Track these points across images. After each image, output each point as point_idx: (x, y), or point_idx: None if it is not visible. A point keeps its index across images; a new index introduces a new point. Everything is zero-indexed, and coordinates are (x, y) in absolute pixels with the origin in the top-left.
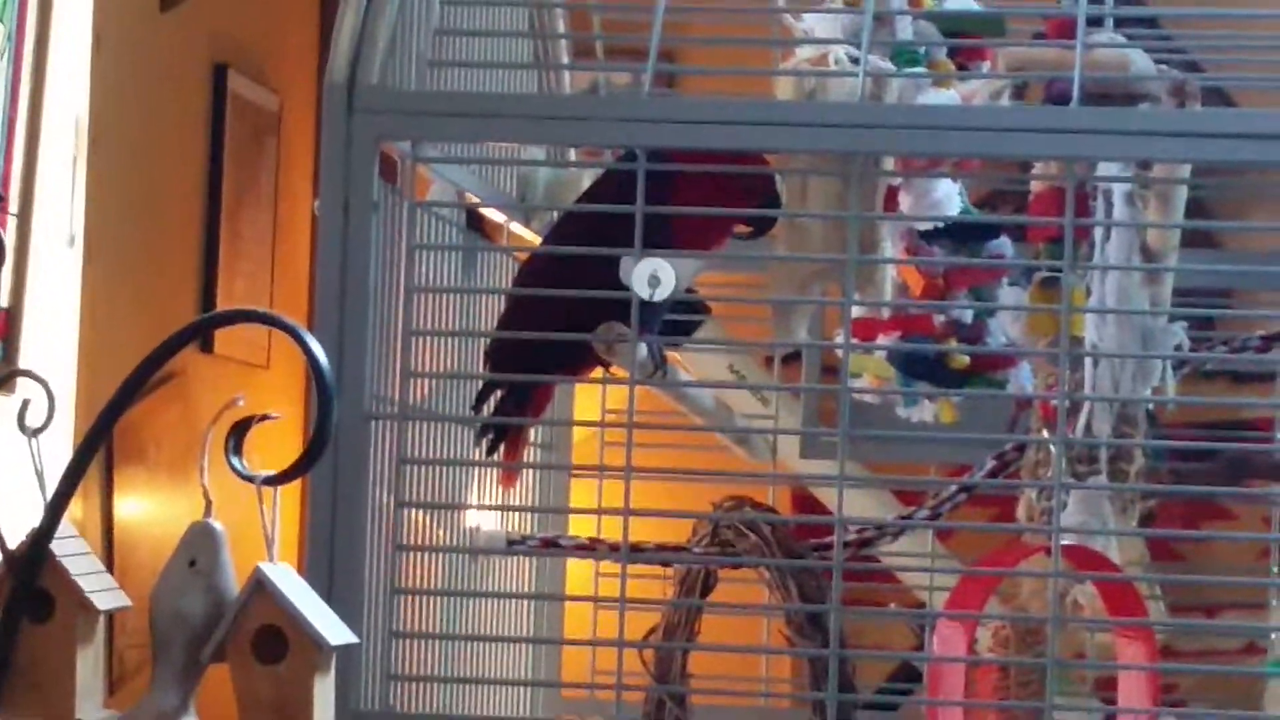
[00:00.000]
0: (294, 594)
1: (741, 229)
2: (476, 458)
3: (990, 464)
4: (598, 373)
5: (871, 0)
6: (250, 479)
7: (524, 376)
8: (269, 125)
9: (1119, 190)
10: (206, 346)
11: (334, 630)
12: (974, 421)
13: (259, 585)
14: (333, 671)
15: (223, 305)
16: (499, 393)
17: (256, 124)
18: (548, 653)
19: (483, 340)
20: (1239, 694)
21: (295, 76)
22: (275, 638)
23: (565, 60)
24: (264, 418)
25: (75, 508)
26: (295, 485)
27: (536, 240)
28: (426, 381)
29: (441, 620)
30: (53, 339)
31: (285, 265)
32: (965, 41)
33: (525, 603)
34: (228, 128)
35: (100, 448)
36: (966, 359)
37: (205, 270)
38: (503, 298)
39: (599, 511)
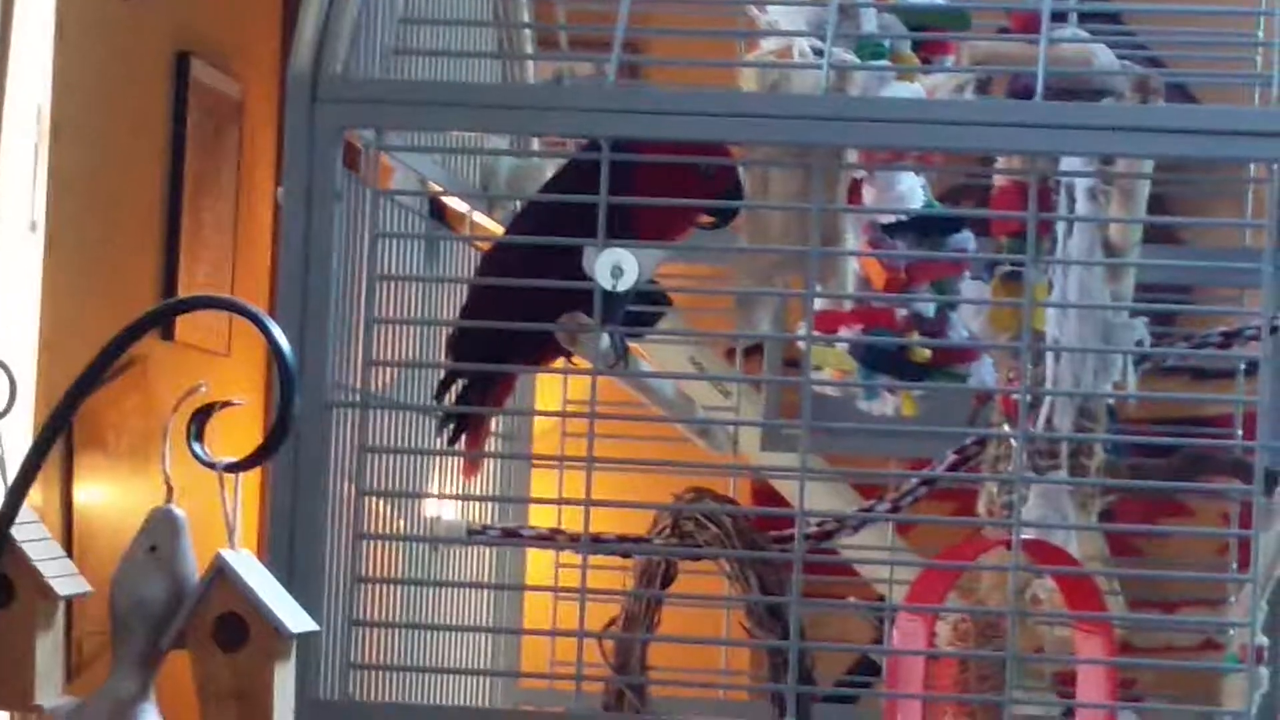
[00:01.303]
0: (255, 581)
1: (703, 219)
2: (438, 447)
3: (951, 458)
4: (559, 363)
5: None
6: (212, 465)
7: (486, 366)
8: (231, 113)
9: (1081, 185)
10: (167, 334)
11: (294, 618)
12: (935, 415)
13: (220, 572)
14: (293, 659)
15: (184, 292)
16: (461, 382)
17: (219, 112)
18: (507, 642)
19: (445, 329)
20: (1197, 689)
21: (258, 65)
22: (236, 625)
23: (529, 50)
24: (226, 404)
25: (35, 494)
26: (255, 472)
27: (499, 230)
28: (388, 370)
29: (402, 609)
30: (13, 325)
31: (247, 253)
32: (929, 35)
33: (485, 593)
34: (190, 116)
35: (61, 434)
36: (928, 352)
37: (166, 257)
38: (465, 287)
39: (560, 502)
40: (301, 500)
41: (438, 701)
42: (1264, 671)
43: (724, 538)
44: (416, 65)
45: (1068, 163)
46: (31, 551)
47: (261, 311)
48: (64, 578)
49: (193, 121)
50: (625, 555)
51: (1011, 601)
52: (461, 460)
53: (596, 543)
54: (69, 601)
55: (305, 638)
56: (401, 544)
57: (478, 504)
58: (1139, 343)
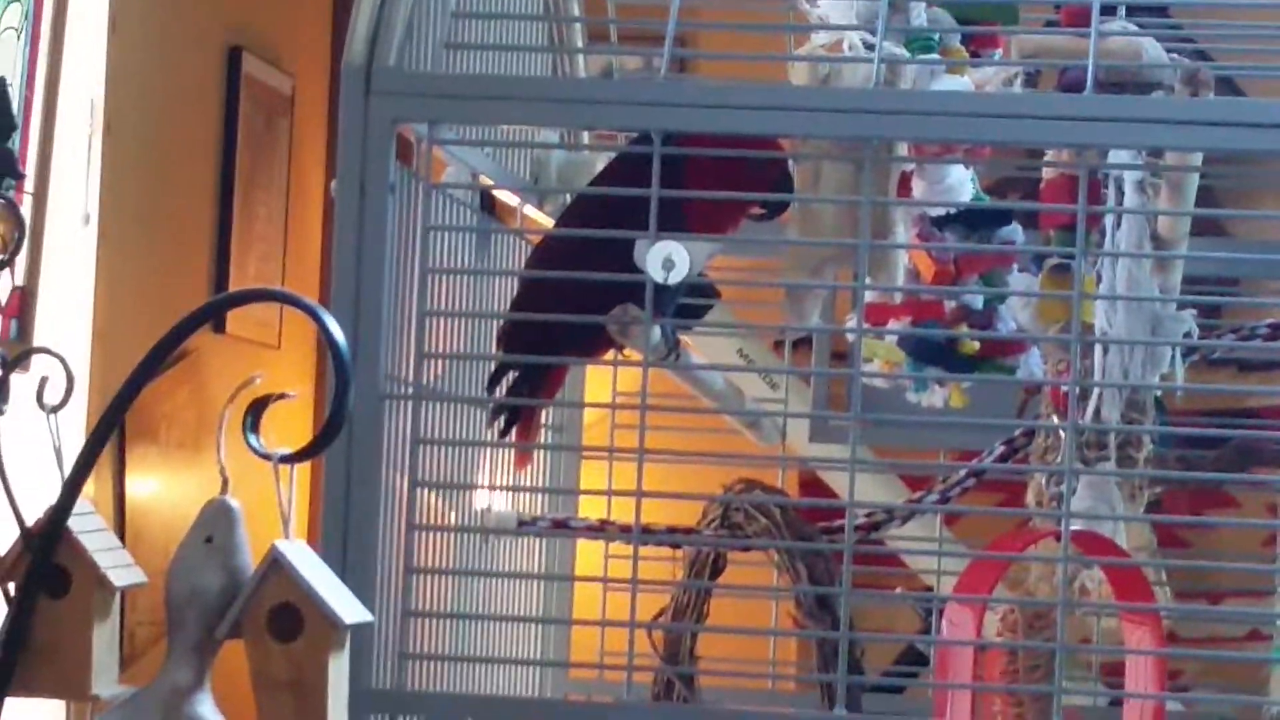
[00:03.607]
0: (310, 572)
1: (754, 211)
2: (489, 439)
3: (999, 449)
4: (610, 355)
5: None
6: (267, 457)
7: (537, 358)
8: (282, 107)
9: (1130, 178)
10: (219, 326)
11: (349, 608)
12: (984, 407)
13: (275, 563)
14: (347, 649)
15: (235, 285)
16: (512, 374)
17: (270, 106)
18: (557, 633)
19: (496, 322)
20: (1243, 680)
21: (308, 59)
22: (291, 615)
23: (580, 44)
24: (281, 396)
25: (88, 485)
26: (306, 465)
27: (550, 223)
28: (440, 362)
29: (453, 600)
30: (67, 317)
31: (297, 246)
32: (979, 28)
33: (536, 583)
34: (241, 109)
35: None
36: (977, 344)
37: (218, 250)
38: (516, 280)
39: (610, 493)
40: (355, 491)
41: (488, 691)
42: None
43: (773, 529)
44: (469, 59)
45: (1116, 155)
46: (88, 542)
47: (317, 304)
48: (120, 568)
49: (244, 115)
50: (675, 546)
51: (1061, 592)
52: (513, 451)
53: (646, 534)
54: (123, 592)
55: (359, 628)
56: (452, 535)
57: (528, 495)
58: (1187, 335)
